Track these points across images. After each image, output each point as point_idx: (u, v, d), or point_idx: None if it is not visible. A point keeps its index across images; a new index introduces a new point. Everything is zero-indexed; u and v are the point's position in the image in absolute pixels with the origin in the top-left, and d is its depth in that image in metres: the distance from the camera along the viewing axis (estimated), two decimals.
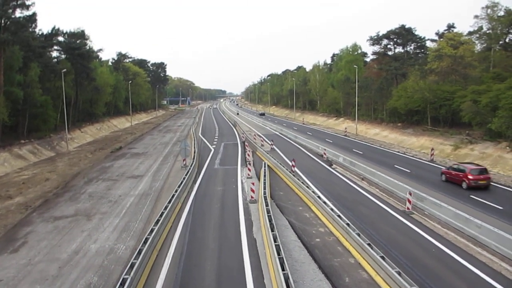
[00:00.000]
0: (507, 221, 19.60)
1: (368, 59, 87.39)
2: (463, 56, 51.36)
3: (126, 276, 12.77)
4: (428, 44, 67.69)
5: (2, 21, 44.68)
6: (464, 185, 26.59)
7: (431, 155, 38.69)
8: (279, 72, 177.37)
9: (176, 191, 24.19)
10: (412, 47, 72.71)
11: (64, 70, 55.45)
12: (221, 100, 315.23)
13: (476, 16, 49.64)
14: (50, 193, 28.93)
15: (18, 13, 46.90)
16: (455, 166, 28.61)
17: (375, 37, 73.09)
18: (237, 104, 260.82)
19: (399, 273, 12.68)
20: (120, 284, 12.37)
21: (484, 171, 27.21)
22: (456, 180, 27.52)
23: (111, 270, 15.53)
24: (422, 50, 70.00)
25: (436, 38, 64.06)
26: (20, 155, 43.81)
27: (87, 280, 14.77)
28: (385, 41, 73.19)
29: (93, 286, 14.32)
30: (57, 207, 25.27)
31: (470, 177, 26.34)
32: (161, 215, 19.40)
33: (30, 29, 51.55)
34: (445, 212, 20.19)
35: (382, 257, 13.92)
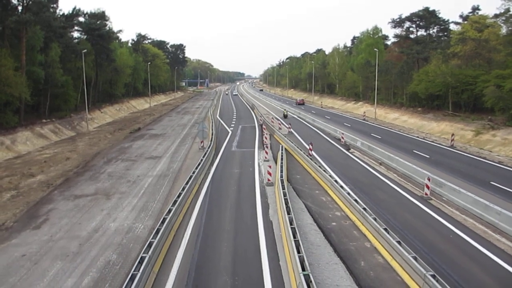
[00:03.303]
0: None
1: (389, 42, 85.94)
2: (487, 40, 49.91)
3: (144, 255, 13.02)
4: (452, 27, 66.10)
5: (24, 1, 45.07)
6: (296, 103, 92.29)
7: (451, 140, 38.08)
8: (298, 55, 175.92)
9: (193, 173, 24.37)
10: (435, 30, 71.15)
11: (85, 50, 55.87)
12: (237, 83, 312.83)
13: None
14: (71, 172, 29.49)
15: None
16: (298, 100, 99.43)
17: (397, 20, 71.75)
18: (253, 87, 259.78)
19: (415, 258, 12.64)
20: (138, 262, 12.62)
21: (302, 101, 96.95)
22: (297, 103, 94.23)
23: (130, 249, 15.84)
24: (445, 34, 68.42)
25: (460, 20, 62.40)
26: (42, 134, 44.67)
27: (107, 257, 15.11)
28: (407, 24, 71.85)
29: (112, 263, 14.65)
30: (78, 185, 25.78)
31: (298, 101, 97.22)
32: (178, 196, 19.60)
33: (51, 10, 51.94)
34: (464, 198, 19.95)
35: (399, 242, 13.86)
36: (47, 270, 14.18)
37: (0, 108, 40.48)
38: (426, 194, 21.96)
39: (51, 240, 16.87)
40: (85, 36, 69.14)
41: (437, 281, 11.24)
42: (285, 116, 62.13)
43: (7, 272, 14.11)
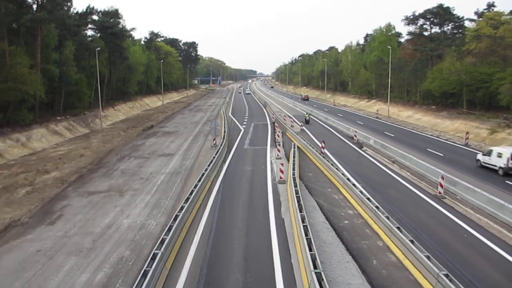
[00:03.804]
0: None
1: (402, 40, 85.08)
2: (503, 37, 49.16)
3: (156, 251, 13.11)
4: (467, 24, 65.16)
5: (39, 0, 45.58)
6: (301, 99, 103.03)
7: (466, 139, 37.62)
8: (311, 53, 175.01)
9: (206, 170, 24.46)
10: (449, 27, 70.21)
11: (98, 48, 56.33)
12: (250, 81, 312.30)
13: None
14: (85, 169, 29.80)
15: None
16: (302, 95, 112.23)
17: (411, 17, 70.93)
18: (265, 84, 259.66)
19: (428, 257, 12.53)
20: (151, 258, 12.71)
21: (306, 96, 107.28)
22: (302, 98, 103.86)
23: (142, 245, 15.97)
24: (460, 31, 67.48)
25: (475, 17, 61.52)
26: (56, 131, 45.18)
27: (120, 253, 15.25)
28: (421, 21, 70.94)
29: (125, 259, 14.78)
30: (91, 182, 26.05)
31: (303, 96, 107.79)
32: (191, 193, 19.69)
33: (66, 8, 52.46)
34: (479, 198, 19.72)
35: (411, 241, 13.76)
36: (61, 266, 14.36)
37: (15, 105, 41.04)
38: (439, 192, 21.76)
39: (66, 236, 17.08)
40: (98, 34, 69.77)
41: (450, 280, 11.13)
42: (307, 122, 52.34)
43: (23, 267, 14.32)
